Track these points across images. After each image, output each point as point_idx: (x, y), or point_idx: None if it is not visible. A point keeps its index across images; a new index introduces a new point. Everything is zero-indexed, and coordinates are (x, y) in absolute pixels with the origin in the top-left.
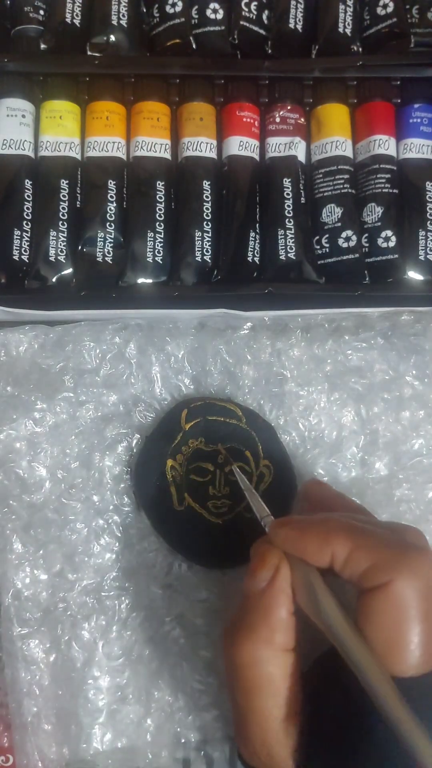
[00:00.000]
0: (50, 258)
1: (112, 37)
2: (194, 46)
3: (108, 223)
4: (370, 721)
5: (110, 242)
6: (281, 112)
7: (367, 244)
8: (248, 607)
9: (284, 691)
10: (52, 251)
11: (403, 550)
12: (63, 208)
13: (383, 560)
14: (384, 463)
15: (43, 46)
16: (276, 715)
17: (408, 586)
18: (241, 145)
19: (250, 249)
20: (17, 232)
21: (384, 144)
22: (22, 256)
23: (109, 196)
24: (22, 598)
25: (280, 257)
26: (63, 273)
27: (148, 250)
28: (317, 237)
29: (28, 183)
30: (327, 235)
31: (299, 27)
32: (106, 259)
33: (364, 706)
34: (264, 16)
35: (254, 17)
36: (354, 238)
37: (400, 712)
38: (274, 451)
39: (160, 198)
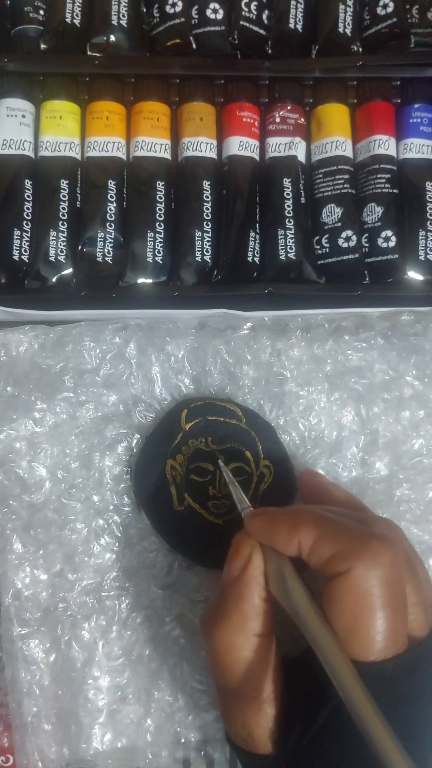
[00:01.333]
0: (50, 258)
1: (112, 37)
2: (194, 46)
3: (108, 223)
4: (337, 705)
5: (110, 242)
6: (281, 112)
7: (367, 244)
8: (223, 594)
9: (260, 674)
10: (52, 251)
11: (365, 538)
12: (63, 208)
13: (345, 548)
14: (384, 463)
15: (43, 46)
16: (253, 698)
17: (368, 574)
18: (241, 145)
19: (250, 249)
20: (17, 232)
21: (384, 144)
22: (22, 256)
23: (109, 196)
24: (22, 598)
25: (280, 257)
26: (63, 273)
27: (148, 250)
28: (317, 237)
29: (28, 183)
30: (327, 235)
31: (299, 27)
32: (106, 259)
33: (331, 690)
34: (264, 16)
35: (254, 17)
36: (354, 238)
37: (358, 695)
38: (274, 451)
39: (160, 198)
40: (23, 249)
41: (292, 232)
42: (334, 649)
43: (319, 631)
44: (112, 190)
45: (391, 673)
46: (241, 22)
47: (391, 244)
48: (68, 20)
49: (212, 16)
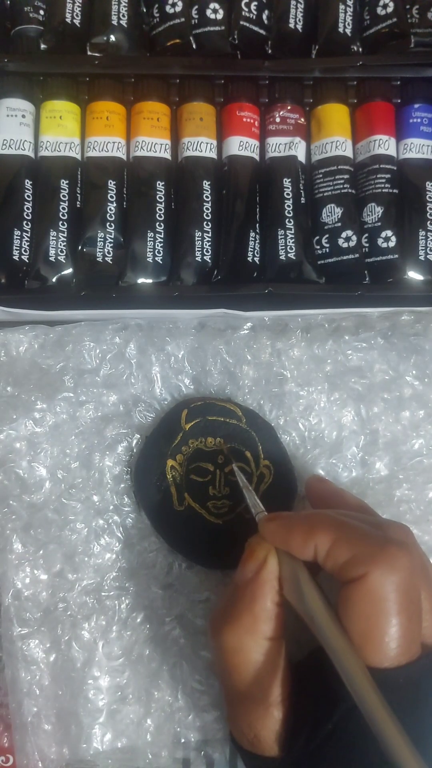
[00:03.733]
0: (50, 258)
1: (112, 37)
2: (194, 46)
3: (108, 223)
4: (347, 709)
5: (110, 242)
6: (281, 112)
7: (367, 244)
8: (235, 596)
9: (268, 677)
10: (52, 251)
11: (382, 543)
12: (63, 208)
13: (361, 553)
14: (384, 463)
15: (43, 46)
16: (261, 700)
17: (384, 579)
18: (241, 145)
19: (250, 249)
20: (17, 232)
21: (384, 144)
22: (22, 256)
23: (109, 196)
24: (22, 598)
25: (280, 257)
26: (63, 273)
27: (148, 250)
28: (317, 237)
29: (28, 183)
30: (327, 235)
31: (299, 27)
32: (106, 259)
33: (342, 695)
34: (264, 16)
35: (254, 17)
36: (354, 238)
37: (373, 701)
38: (274, 452)
39: (160, 198)
40: (23, 249)
41: (292, 232)
42: (350, 654)
43: (334, 636)
44: (112, 190)
45: (404, 680)
46: (241, 22)
47: (391, 244)
48: (68, 20)
49: (212, 16)
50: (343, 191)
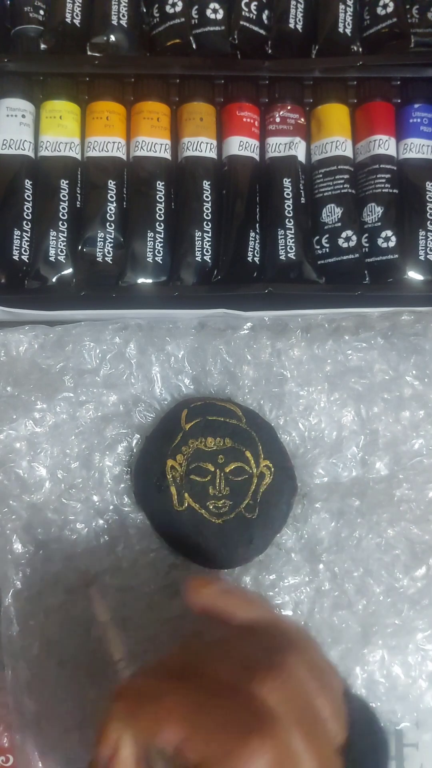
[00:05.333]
0: (50, 258)
1: (112, 37)
2: (194, 46)
3: (108, 223)
4: None
5: (110, 242)
6: (281, 112)
7: (367, 244)
8: None
9: None
10: (52, 251)
11: (243, 734)
12: (63, 208)
13: (213, 755)
14: (384, 463)
15: (43, 46)
16: None
17: None
18: (241, 145)
19: (250, 249)
20: (17, 232)
21: (384, 144)
22: (22, 256)
23: (109, 196)
24: (22, 598)
25: (280, 257)
26: (63, 273)
27: (148, 250)
28: (317, 237)
29: (28, 183)
30: (327, 235)
31: (299, 27)
32: (106, 259)
33: None
34: (264, 16)
35: (254, 17)
36: (354, 238)
37: None
38: (274, 451)
39: (160, 198)
40: (23, 249)
41: (292, 232)
42: None
43: None
44: (112, 190)
45: None
46: (241, 22)
47: (391, 244)
48: (68, 20)
49: (212, 16)
50: (343, 191)
